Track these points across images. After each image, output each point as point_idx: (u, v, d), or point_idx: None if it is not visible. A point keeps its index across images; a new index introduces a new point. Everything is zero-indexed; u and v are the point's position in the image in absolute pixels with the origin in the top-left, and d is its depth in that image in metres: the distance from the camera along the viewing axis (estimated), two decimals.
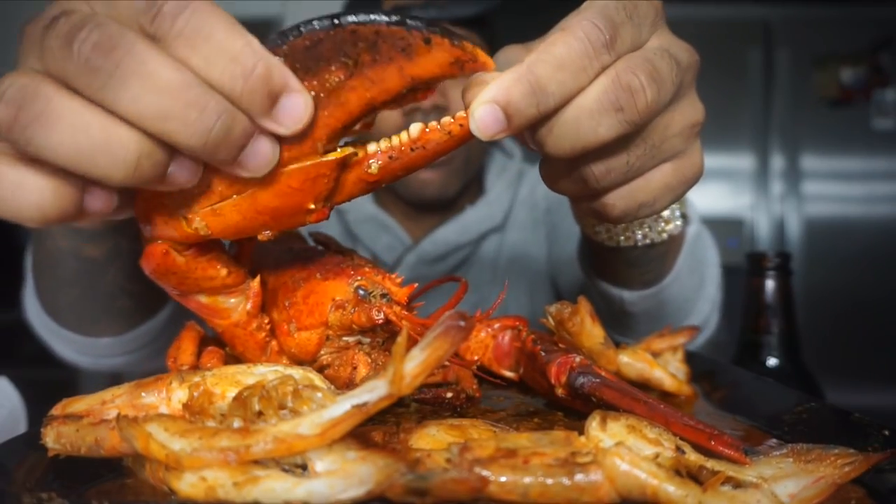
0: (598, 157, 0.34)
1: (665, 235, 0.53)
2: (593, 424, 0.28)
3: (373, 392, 0.25)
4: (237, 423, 0.26)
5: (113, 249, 0.51)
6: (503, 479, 0.24)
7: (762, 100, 2.05)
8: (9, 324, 2.13)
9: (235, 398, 0.28)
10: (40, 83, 0.26)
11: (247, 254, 0.41)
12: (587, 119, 0.31)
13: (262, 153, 0.29)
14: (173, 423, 0.26)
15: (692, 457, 0.27)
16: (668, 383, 0.46)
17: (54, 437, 0.29)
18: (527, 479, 0.24)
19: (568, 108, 0.31)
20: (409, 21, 0.28)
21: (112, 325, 0.60)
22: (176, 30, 0.26)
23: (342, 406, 0.25)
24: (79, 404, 0.31)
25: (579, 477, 0.24)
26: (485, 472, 0.24)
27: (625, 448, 0.25)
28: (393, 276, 0.41)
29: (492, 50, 0.91)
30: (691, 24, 2.07)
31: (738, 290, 0.63)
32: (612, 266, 0.62)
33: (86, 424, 0.29)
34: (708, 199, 2.06)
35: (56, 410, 0.31)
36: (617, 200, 0.36)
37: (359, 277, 0.40)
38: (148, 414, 0.28)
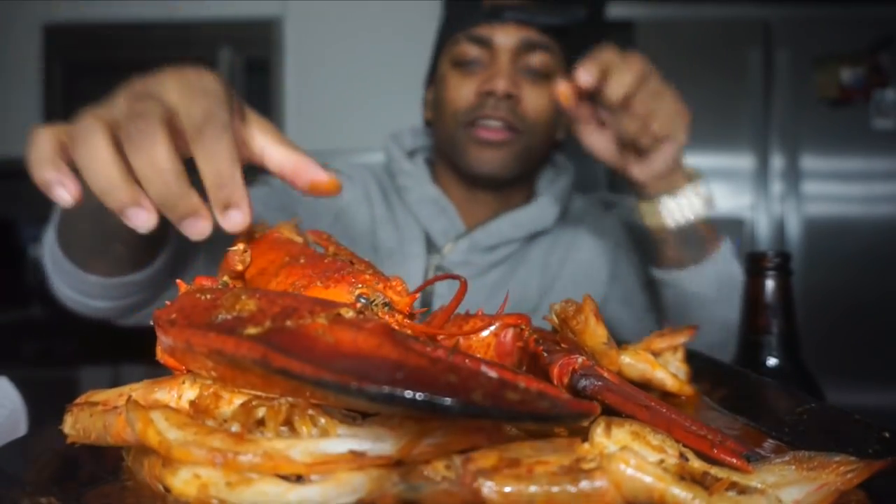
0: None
1: (696, 209, 0.77)
2: (598, 431, 0.27)
3: (376, 443, 0.25)
4: (235, 428, 0.26)
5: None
6: (508, 489, 0.24)
7: (762, 100, 2.05)
8: (9, 324, 2.14)
9: (243, 405, 0.28)
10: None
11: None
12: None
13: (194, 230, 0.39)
14: (175, 415, 0.27)
15: (695, 463, 0.27)
16: (670, 384, 0.46)
17: (71, 423, 0.30)
18: (532, 489, 0.24)
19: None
20: None
21: (103, 267, 0.66)
22: (126, 133, 0.38)
23: (339, 445, 0.25)
24: (99, 395, 0.32)
25: (584, 484, 0.24)
26: (489, 483, 0.24)
27: (630, 453, 0.25)
28: (394, 282, 0.40)
29: (568, 60, 0.98)
30: (691, 24, 2.07)
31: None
32: (663, 251, 0.80)
33: (98, 411, 0.30)
34: None
35: (79, 399, 0.32)
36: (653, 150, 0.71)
37: (360, 285, 0.39)
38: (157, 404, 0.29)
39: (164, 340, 0.32)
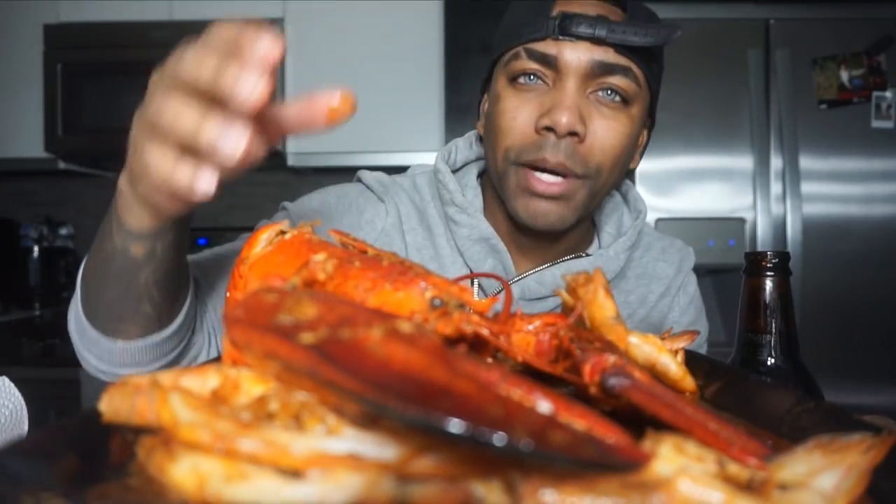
0: None
1: None
2: (665, 448, 0.27)
3: (378, 448, 0.25)
4: (245, 416, 0.27)
5: (150, 252, 0.58)
6: (573, 501, 0.24)
7: (762, 100, 2.05)
8: (10, 324, 2.14)
9: (260, 398, 0.28)
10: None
11: None
12: None
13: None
14: (192, 399, 0.28)
15: (732, 468, 0.27)
16: (674, 370, 0.46)
17: (108, 402, 0.32)
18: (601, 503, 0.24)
19: None
20: None
21: (130, 329, 0.65)
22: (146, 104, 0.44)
23: (340, 445, 0.25)
24: (134, 379, 0.33)
25: (655, 501, 0.24)
26: (552, 495, 0.24)
27: (691, 471, 0.25)
28: (462, 284, 0.39)
29: (650, 86, 0.79)
30: (691, 24, 2.07)
31: (737, 289, 0.63)
32: None
33: (130, 391, 0.31)
34: (708, 199, 2.06)
35: (117, 381, 0.34)
36: None
37: (431, 287, 0.37)
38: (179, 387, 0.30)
39: (230, 337, 0.32)
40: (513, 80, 0.75)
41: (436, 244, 0.85)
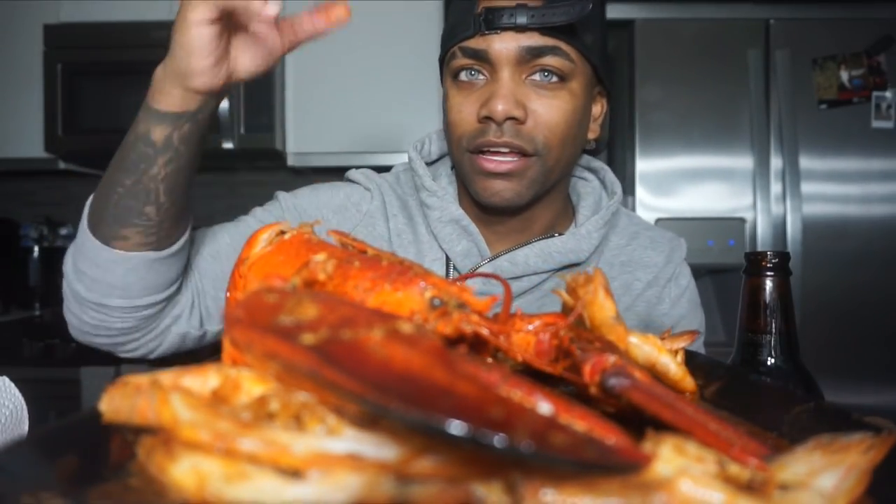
0: None
1: None
2: (665, 449, 0.27)
3: (378, 449, 0.25)
4: (246, 416, 0.27)
5: (168, 139, 0.65)
6: (574, 501, 0.24)
7: (762, 100, 2.05)
8: (11, 323, 2.14)
9: (260, 397, 0.28)
10: None
11: None
12: None
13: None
14: (192, 399, 0.28)
15: (733, 468, 0.27)
16: (674, 370, 0.46)
17: (107, 402, 0.32)
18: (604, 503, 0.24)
19: None
20: None
21: (129, 235, 0.69)
22: None
23: (340, 445, 0.25)
24: (133, 379, 0.33)
25: (657, 500, 0.24)
26: (552, 494, 0.24)
27: (691, 472, 0.25)
28: (460, 283, 0.39)
29: (584, 57, 0.82)
30: (691, 24, 2.07)
31: (737, 290, 0.63)
32: None
33: (130, 391, 0.31)
34: (708, 199, 2.06)
35: (117, 381, 0.34)
36: None
37: (430, 287, 0.38)
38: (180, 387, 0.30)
39: (230, 337, 0.32)
40: (455, 77, 0.81)
41: (415, 230, 0.90)
